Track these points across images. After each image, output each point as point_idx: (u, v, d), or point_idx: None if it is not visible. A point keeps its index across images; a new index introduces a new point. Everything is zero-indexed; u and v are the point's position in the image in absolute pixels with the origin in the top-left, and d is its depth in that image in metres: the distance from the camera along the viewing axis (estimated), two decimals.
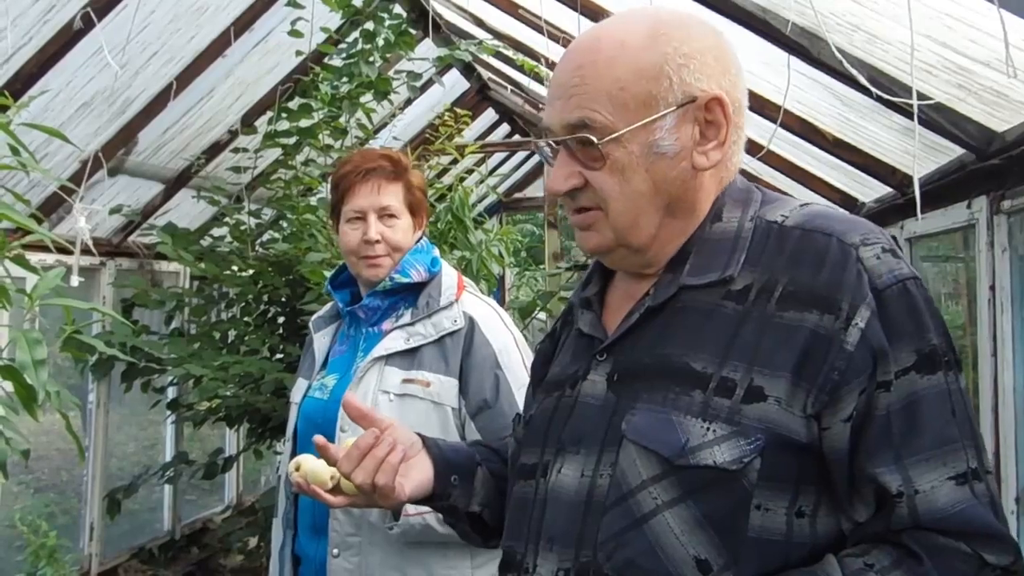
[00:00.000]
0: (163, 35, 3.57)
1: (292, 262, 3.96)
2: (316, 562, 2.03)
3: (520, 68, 5.02)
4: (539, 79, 4.88)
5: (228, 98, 4.41)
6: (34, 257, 2.36)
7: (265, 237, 4.58)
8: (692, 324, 1.10)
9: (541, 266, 9.48)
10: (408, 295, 2.11)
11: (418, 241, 2.16)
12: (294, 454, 2.04)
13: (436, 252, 2.18)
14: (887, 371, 1.03)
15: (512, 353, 2.06)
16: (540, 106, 5.75)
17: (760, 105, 3.05)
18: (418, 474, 1.33)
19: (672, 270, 1.15)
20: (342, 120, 4.07)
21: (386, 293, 2.11)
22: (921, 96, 2.25)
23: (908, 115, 2.34)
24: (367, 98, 4.12)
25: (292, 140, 4.13)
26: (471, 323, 2.06)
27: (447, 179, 5.27)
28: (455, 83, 6.34)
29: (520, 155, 8.66)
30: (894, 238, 1.35)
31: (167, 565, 4.84)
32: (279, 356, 4.04)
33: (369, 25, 4.02)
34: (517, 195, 9.38)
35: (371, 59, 4.00)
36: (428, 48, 4.71)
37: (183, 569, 4.94)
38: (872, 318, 1.04)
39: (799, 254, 1.08)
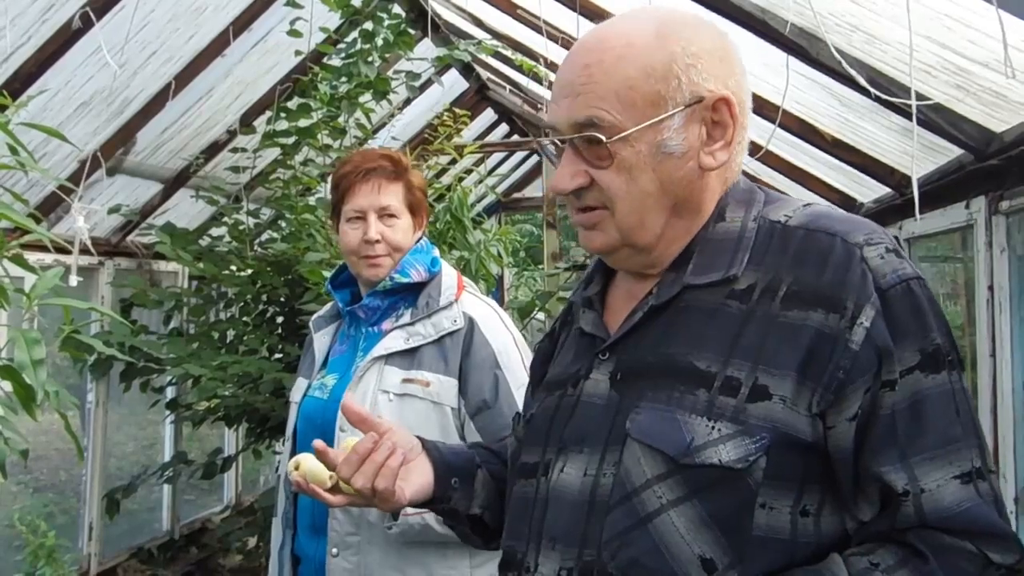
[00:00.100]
0: (162, 35, 3.57)
1: (291, 262, 3.95)
2: (315, 562, 2.03)
3: (519, 68, 5.02)
4: (538, 79, 4.88)
5: (227, 98, 4.40)
6: (32, 257, 2.36)
7: (264, 237, 4.58)
8: (696, 323, 1.11)
9: (540, 266, 9.46)
10: (408, 295, 2.11)
11: (418, 241, 2.17)
12: (293, 453, 2.04)
13: (436, 252, 2.19)
14: (892, 370, 1.04)
15: (512, 353, 2.06)
16: (539, 106, 5.74)
17: (759, 105, 3.03)
18: (418, 477, 1.33)
19: (675, 269, 1.15)
20: (341, 120, 4.07)
21: (386, 293, 2.11)
22: (920, 97, 2.25)
23: (907, 115, 2.34)
24: (366, 98, 4.12)
25: (291, 140, 4.13)
26: (471, 323, 2.06)
27: (446, 179, 5.26)
28: (454, 83, 6.33)
29: (519, 155, 8.65)
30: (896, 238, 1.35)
31: (166, 565, 4.83)
32: (278, 356, 4.04)
33: (368, 25, 4.02)
34: (516, 195, 9.36)
35: (370, 59, 4.00)
36: (427, 48, 4.70)
37: (182, 569, 4.94)
38: (877, 317, 1.04)
39: (803, 254, 1.09)
